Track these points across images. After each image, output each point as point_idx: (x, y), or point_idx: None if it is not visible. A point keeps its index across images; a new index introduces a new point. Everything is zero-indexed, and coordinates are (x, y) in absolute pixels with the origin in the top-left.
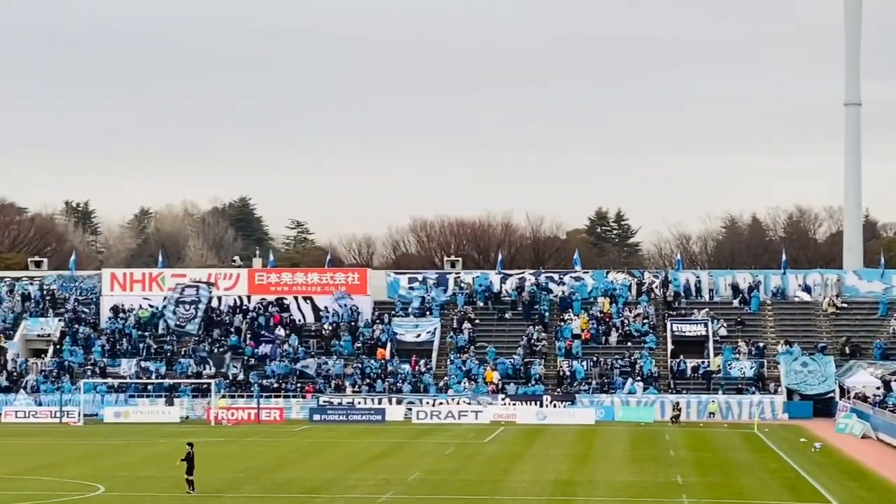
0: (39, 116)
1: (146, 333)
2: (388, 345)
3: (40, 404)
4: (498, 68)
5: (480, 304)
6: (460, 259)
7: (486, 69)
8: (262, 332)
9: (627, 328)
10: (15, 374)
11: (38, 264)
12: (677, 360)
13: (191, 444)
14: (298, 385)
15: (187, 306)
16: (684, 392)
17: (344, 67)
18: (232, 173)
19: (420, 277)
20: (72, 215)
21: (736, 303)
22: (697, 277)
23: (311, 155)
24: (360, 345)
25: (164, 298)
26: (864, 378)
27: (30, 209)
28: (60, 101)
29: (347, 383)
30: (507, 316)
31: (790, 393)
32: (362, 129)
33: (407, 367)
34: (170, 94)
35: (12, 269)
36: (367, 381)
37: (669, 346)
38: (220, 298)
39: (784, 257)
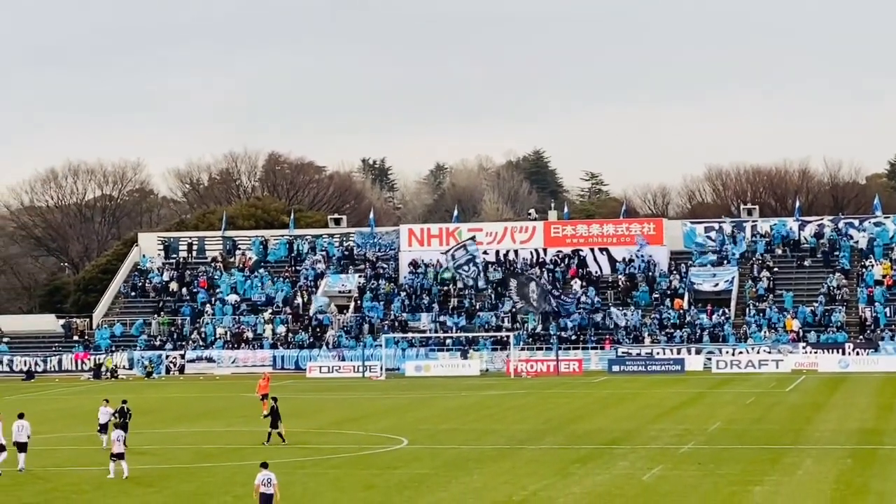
0: (335, 76)
1: (445, 288)
2: (686, 294)
3: (343, 359)
4: (796, 16)
5: (779, 251)
6: (757, 207)
7: (785, 16)
8: (560, 284)
9: None
10: (318, 330)
11: (337, 222)
12: None
13: (275, 399)
14: (597, 336)
15: (467, 267)
16: None
17: (629, 20)
18: (525, 126)
19: (717, 226)
20: (369, 172)
21: None
22: None
23: (604, 105)
24: (657, 295)
25: (446, 254)
26: None
27: (328, 167)
28: (356, 60)
29: (645, 334)
30: (806, 263)
31: None
32: (653, 77)
33: (704, 316)
34: (460, 51)
35: (313, 227)
36: (665, 331)
37: None
38: (516, 252)
39: None
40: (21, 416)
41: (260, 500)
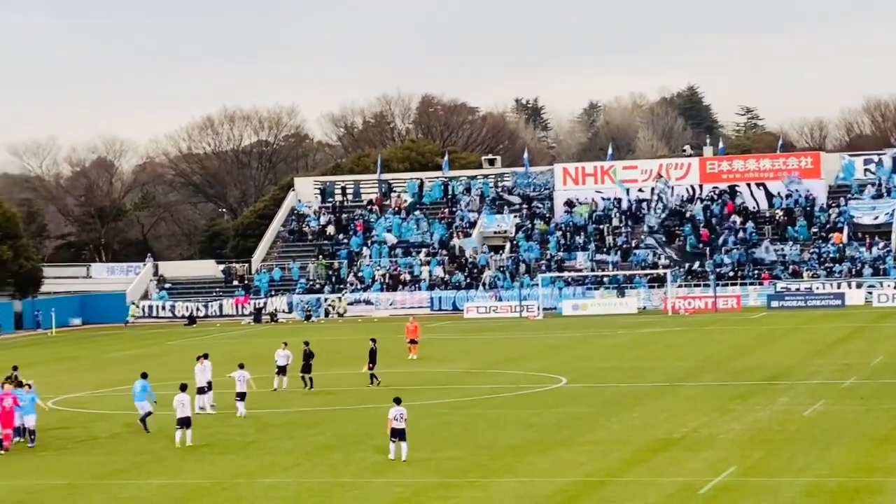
0: (487, 16)
1: (601, 226)
2: (845, 228)
3: (500, 300)
4: None
5: None
6: None
7: None
8: (717, 221)
9: None
10: (475, 271)
11: (491, 162)
12: None
13: (374, 340)
14: (755, 272)
15: (645, 201)
16: None
17: None
18: (679, 62)
19: (876, 159)
20: (522, 112)
21: None
22: None
23: (759, 39)
24: (815, 229)
25: (627, 192)
26: None
27: (481, 108)
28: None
29: (804, 269)
30: None
31: None
32: (809, 9)
33: (864, 249)
34: None
35: (467, 168)
36: (825, 265)
37: None
38: (672, 188)
39: None
40: (205, 356)
41: (391, 433)
